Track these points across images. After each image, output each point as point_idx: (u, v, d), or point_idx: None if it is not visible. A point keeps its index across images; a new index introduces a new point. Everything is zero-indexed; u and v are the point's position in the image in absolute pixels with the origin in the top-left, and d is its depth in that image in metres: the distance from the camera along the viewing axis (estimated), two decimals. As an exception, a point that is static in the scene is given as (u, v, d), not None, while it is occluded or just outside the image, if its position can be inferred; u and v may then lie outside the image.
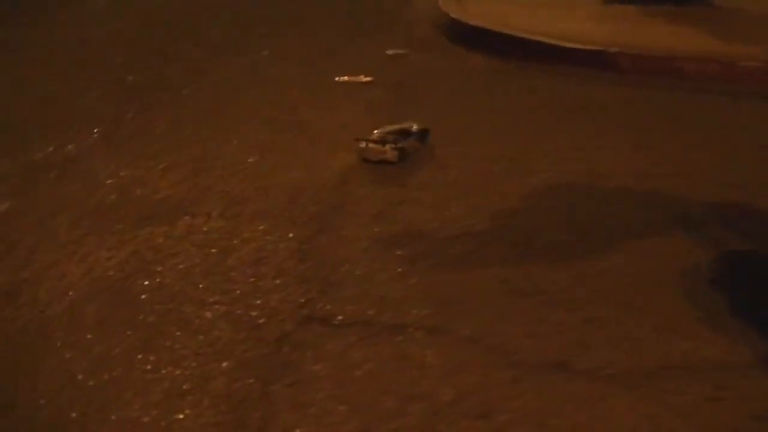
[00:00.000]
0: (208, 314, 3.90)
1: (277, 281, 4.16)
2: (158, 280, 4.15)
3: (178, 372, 3.55)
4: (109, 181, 5.06)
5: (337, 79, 6.79)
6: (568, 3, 8.77)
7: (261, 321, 3.86)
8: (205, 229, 4.61)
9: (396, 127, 5.69)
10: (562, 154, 5.62)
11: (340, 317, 3.91)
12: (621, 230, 4.80)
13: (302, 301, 4.02)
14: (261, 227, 4.63)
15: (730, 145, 5.79)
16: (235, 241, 4.50)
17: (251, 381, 3.51)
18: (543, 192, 5.19)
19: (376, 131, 5.60)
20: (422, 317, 3.95)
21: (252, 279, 4.18)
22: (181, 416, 3.34)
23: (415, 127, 5.67)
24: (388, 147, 5.45)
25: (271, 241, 4.50)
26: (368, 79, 6.81)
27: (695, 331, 3.96)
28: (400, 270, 4.32)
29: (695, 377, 3.66)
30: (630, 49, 7.41)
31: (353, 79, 6.78)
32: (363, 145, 5.49)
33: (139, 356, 3.63)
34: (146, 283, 4.12)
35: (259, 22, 8.25)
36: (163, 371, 3.55)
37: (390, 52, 7.52)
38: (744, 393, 3.59)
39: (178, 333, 3.78)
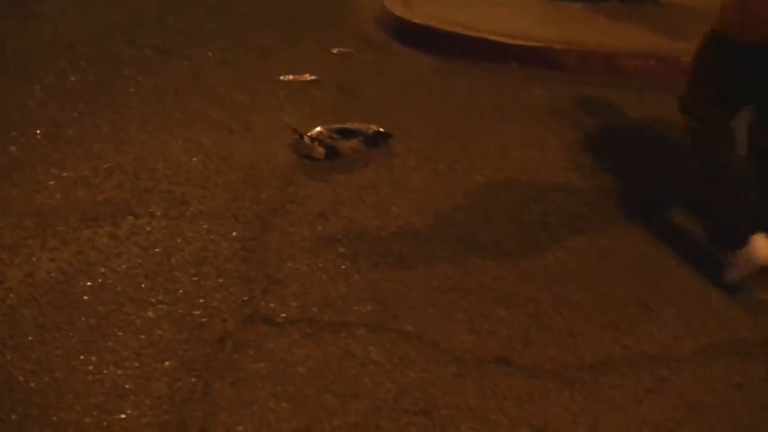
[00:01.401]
0: (151, 314, 3.90)
1: (220, 280, 4.16)
2: (100, 281, 4.14)
3: (119, 372, 3.55)
4: (51, 183, 5.02)
5: (281, 78, 6.78)
6: (514, 1, 8.82)
7: (203, 320, 3.86)
8: (148, 229, 4.59)
9: (342, 125, 5.70)
10: (507, 152, 5.65)
11: (283, 315, 3.93)
12: (564, 227, 4.85)
13: (245, 299, 4.02)
14: (204, 227, 4.63)
15: (671, 140, 5.86)
16: (178, 241, 4.49)
17: (193, 380, 3.52)
18: (487, 190, 5.22)
19: (318, 128, 5.61)
20: (365, 314, 3.98)
21: (195, 278, 4.17)
22: (122, 416, 3.34)
23: (372, 130, 5.70)
24: (315, 143, 5.48)
25: (214, 241, 4.50)
26: (313, 78, 6.80)
27: (635, 325, 4.02)
28: (342, 268, 4.34)
29: (635, 370, 3.73)
30: (574, 47, 7.47)
31: (298, 78, 6.77)
32: (296, 137, 5.52)
33: (81, 357, 3.62)
34: (88, 284, 4.11)
35: (203, 25, 8.21)
36: (105, 372, 3.55)
37: (335, 51, 7.51)
38: (683, 386, 3.66)
39: (120, 333, 3.77)
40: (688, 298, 4.27)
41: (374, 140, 5.68)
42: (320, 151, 5.48)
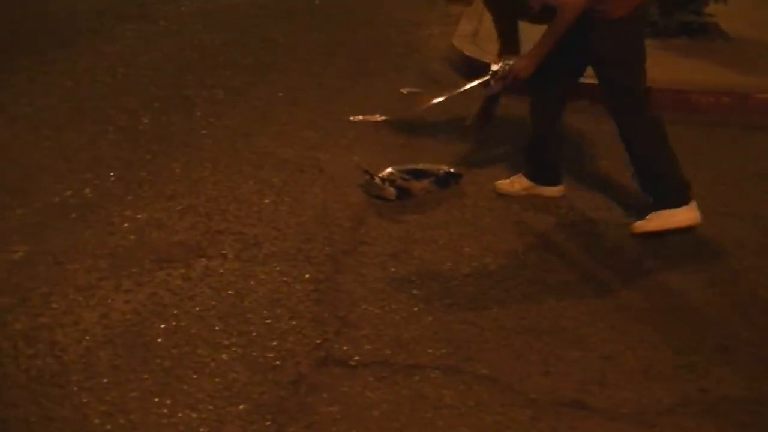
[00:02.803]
0: (224, 357, 3.91)
1: (293, 322, 4.17)
2: (174, 323, 4.16)
3: (194, 415, 3.56)
4: (125, 225, 5.07)
5: (351, 118, 6.80)
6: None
7: (277, 363, 3.86)
8: (221, 271, 4.62)
9: (414, 166, 5.72)
10: (576, 192, 5.60)
11: (356, 358, 3.92)
12: (635, 266, 4.80)
13: (318, 342, 4.02)
14: (277, 268, 4.64)
15: (741, 177, 5.80)
16: (251, 283, 4.50)
17: (267, 424, 3.52)
18: (559, 230, 5.19)
19: (389, 168, 5.62)
20: (438, 357, 3.95)
21: (268, 320, 4.18)
22: (197, 460, 3.35)
23: (443, 170, 5.70)
24: (386, 184, 5.48)
25: (287, 282, 4.51)
26: (383, 118, 6.81)
27: (712, 367, 3.95)
28: (415, 309, 4.32)
29: (713, 414, 3.65)
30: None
31: (368, 118, 6.79)
32: (367, 177, 5.53)
33: (156, 400, 3.64)
34: (162, 326, 4.13)
35: (272, 65, 8.28)
36: (180, 415, 3.56)
37: (405, 90, 7.53)
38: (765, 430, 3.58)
39: (195, 376, 3.78)
40: (766, 340, 4.19)
41: (446, 181, 5.67)
42: (391, 191, 5.48)
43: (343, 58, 8.58)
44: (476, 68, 8.00)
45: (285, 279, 4.54)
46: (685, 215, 5.11)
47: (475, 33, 8.94)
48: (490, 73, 5.47)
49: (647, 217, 5.13)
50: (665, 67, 7.96)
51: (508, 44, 5.64)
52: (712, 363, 3.97)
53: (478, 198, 5.54)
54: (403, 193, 5.52)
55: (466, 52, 8.31)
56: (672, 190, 5.13)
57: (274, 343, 4.00)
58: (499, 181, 5.62)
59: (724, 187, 5.58)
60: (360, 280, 4.57)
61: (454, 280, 4.60)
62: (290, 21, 10.14)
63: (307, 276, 4.57)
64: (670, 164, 5.12)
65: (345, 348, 3.99)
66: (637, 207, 5.25)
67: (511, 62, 5.29)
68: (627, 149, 5.18)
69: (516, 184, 5.56)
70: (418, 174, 5.66)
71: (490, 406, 3.65)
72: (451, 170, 5.74)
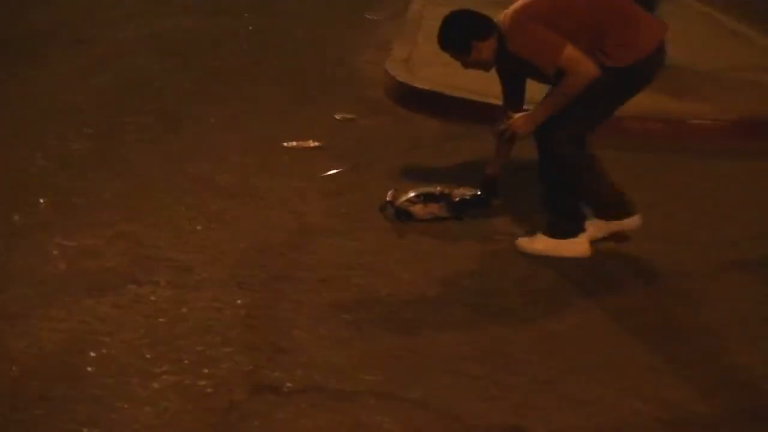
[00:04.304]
0: (156, 385, 3.83)
1: (226, 349, 4.10)
2: (105, 351, 4.08)
3: (125, 446, 3.48)
4: (55, 252, 4.99)
5: (285, 144, 6.76)
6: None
7: (209, 390, 3.80)
8: (152, 298, 4.54)
9: (441, 189, 5.66)
10: (517, 216, 5.60)
11: (289, 384, 3.87)
12: (573, 291, 4.82)
13: (250, 368, 3.96)
14: (209, 295, 4.58)
15: (674, 201, 5.85)
16: (182, 310, 4.44)
17: (200, 453, 3.45)
18: (499, 256, 5.19)
19: (413, 191, 5.61)
20: (374, 383, 3.91)
21: (200, 348, 4.11)
22: (128, 491, 3.27)
23: (459, 196, 5.61)
24: (388, 205, 5.55)
25: (219, 309, 4.44)
26: (316, 144, 6.78)
27: (649, 389, 3.95)
28: (350, 336, 4.29)
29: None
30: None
31: (301, 144, 6.75)
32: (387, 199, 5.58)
33: (86, 431, 3.55)
34: (93, 354, 4.05)
35: (208, 90, 8.23)
36: (110, 446, 3.48)
37: (338, 116, 7.51)
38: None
39: (126, 406, 3.70)
40: (700, 361, 4.21)
41: (459, 207, 5.57)
42: (389, 212, 5.51)
43: (278, 84, 8.55)
44: (408, 94, 8.05)
45: (217, 305, 4.48)
46: (573, 247, 5.14)
47: (407, 59, 8.94)
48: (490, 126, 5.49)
49: (536, 235, 5.19)
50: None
51: (512, 102, 5.47)
52: (648, 385, 3.97)
53: (414, 225, 5.51)
54: (404, 215, 5.50)
55: (399, 78, 8.31)
56: (569, 220, 5.16)
57: (206, 371, 3.93)
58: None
59: (657, 212, 5.60)
60: (294, 306, 4.52)
61: (391, 306, 4.58)
62: (227, 47, 10.10)
63: (240, 302, 4.51)
64: (575, 196, 5.16)
65: (278, 375, 3.93)
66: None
67: (511, 117, 5.22)
68: (542, 166, 5.14)
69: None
70: (436, 197, 5.59)
71: (428, 432, 3.62)
72: (467, 197, 5.61)
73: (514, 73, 5.34)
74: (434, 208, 5.54)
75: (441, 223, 5.50)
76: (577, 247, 5.14)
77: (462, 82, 7.95)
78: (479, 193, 5.64)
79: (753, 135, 7.24)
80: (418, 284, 4.81)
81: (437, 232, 5.41)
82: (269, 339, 4.21)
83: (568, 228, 5.15)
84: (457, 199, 5.59)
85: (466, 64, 5.25)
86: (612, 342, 4.34)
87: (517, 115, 5.18)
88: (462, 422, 3.67)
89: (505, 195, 5.71)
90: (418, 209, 5.52)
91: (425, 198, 5.57)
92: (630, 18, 4.99)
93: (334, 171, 5.94)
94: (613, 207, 5.30)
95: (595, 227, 5.25)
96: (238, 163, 6.41)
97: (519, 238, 5.22)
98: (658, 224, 5.47)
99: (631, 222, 5.29)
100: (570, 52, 4.81)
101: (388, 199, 5.58)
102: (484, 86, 7.88)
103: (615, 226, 5.29)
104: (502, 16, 5.09)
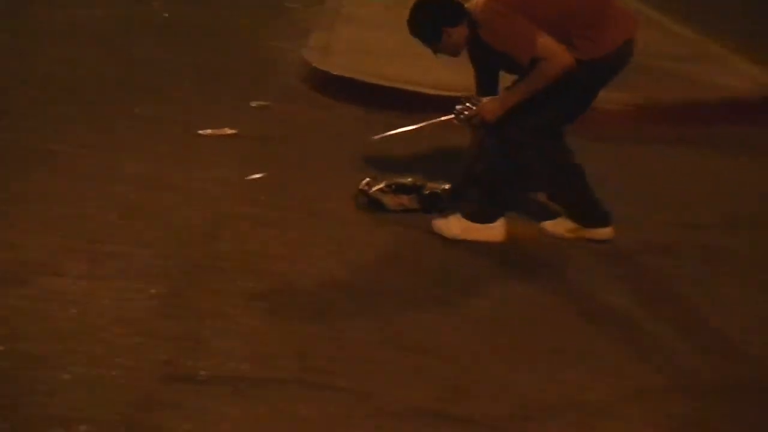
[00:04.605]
0: (67, 377, 3.73)
1: (140, 339, 4.02)
2: (14, 344, 3.96)
3: (36, 439, 3.39)
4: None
5: (200, 132, 6.67)
6: (429, 52, 8.80)
7: (122, 381, 3.71)
8: (67, 289, 4.43)
9: (411, 180, 5.57)
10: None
11: (204, 373, 3.79)
12: (493, 277, 4.86)
13: (165, 358, 3.88)
14: (123, 285, 4.48)
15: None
16: (96, 301, 4.33)
17: (113, 445, 3.38)
18: (418, 243, 5.18)
19: (384, 182, 5.53)
20: (294, 370, 3.88)
21: (113, 338, 4.01)
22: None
23: (430, 189, 5.54)
24: (361, 195, 5.49)
25: (133, 299, 4.35)
26: (232, 131, 6.71)
27: (555, 371, 3.97)
28: (267, 324, 4.24)
29: (556, 416, 3.67)
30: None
31: (217, 132, 6.67)
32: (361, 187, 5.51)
33: (-4, 425, 3.46)
34: (1, 348, 3.93)
35: (124, 81, 8.10)
36: (21, 439, 3.39)
37: (254, 104, 7.44)
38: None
39: (37, 398, 3.60)
40: (602, 342, 4.25)
41: (430, 201, 5.50)
42: (362, 201, 5.45)
43: (194, 72, 8.46)
44: (325, 80, 8.01)
45: (131, 295, 4.39)
46: (489, 231, 5.15)
47: (325, 46, 8.90)
48: (456, 110, 5.23)
49: (451, 217, 5.20)
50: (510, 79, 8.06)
51: (485, 91, 5.33)
52: (555, 367, 3.99)
53: (332, 213, 5.48)
54: (375, 204, 5.44)
55: (316, 65, 8.26)
56: (492, 206, 5.18)
57: (119, 361, 3.83)
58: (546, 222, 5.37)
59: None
60: (210, 295, 4.46)
61: (308, 294, 4.54)
62: (144, 35, 9.98)
63: (154, 291, 4.42)
64: (513, 188, 5.20)
65: (194, 364, 3.85)
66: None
67: (480, 103, 5.11)
68: (493, 151, 5.16)
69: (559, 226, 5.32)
70: (406, 189, 5.51)
71: (349, 419, 3.57)
72: (438, 191, 5.53)
73: (486, 62, 5.26)
74: (405, 200, 5.48)
75: (359, 212, 5.49)
76: (493, 231, 5.15)
77: (380, 69, 7.96)
78: (450, 186, 5.57)
79: (658, 120, 7.41)
80: (336, 272, 4.78)
81: (357, 219, 5.39)
82: (185, 328, 4.13)
83: (489, 213, 5.15)
84: (427, 192, 5.52)
85: (437, 50, 5.16)
86: (525, 325, 4.37)
87: (486, 99, 5.11)
88: (379, 407, 3.64)
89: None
90: (389, 200, 5.45)
91: (396, 189, 5.50)
92: (601, 10, 4.98)
93: (258, 175, 5.79)
94: (592, 215, 5.26)
95: (565, 228, 5.26)
96: (153, 152, 6.31)
97: (434, 220, 5.22)
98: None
99: (605, 232, 5.23)
100: (545, 41, 4.78)
101: (361, 187, 5.50)
102: (402, 72, 7.94)
103: (589, 233, 5.23)
104: (473, 4, 5.01)
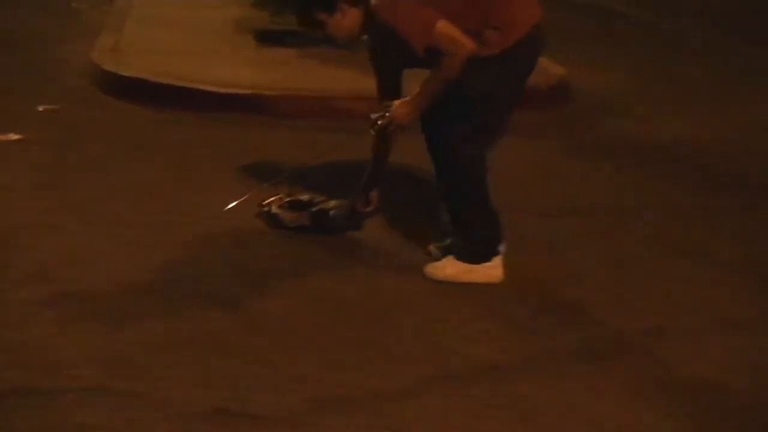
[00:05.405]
0: None
1: None
2: None
3: None
4: None
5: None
6: (225, 50, 8.80)
7: None
8: None
9: (310, 197, 5.41)
10: (229, 200, 5.53)
11: (-9, 385, 3.71)
12: (291, 272, 4.87)
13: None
14: None
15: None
16: None
17: None
18: (217, 243, 5.16)
19: (286, 198, 5.36)
20: (85, 379, 3.81)
21: None
22: None
23: (319, 208, 5.33)
24: (265, 209, 5.29)
25: None
26: (18, 137, 6.54)
27: (361, 362, 4.03)
28: (58, 330, 4.16)
29: (358, 410, 3.72)
30: (283, 92, 7.56)
31: (1, 138, 6.49)
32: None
33: None
34: None
35: None
36: None
37: (41, 108, 7.27)
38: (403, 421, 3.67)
39: None
40: (411, 328, 4.35)
41: (317, 218, 5.30)
42: (264, 217, 5.30)
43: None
44: (115, 82, 7.89)
45: None
46: (486, 272, 4.81)
47: (114, 47, 8.76)
48: (371, 118, 4.88)
49: (444, 260, 4.87)
50: (305, 75, 8.14)
51: (389, 94, 4.94)
52: (361, 358, 4.07)
53: (128, 216, 5.42)
54: (273, 220, 5.29)
55: (105, 67, 8.14)
56: (480, 243, 4.83)
57: None
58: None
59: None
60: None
61: (105, 300, 4.46)
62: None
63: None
64: (484, 208, 4.82)
65: (-19, 379, 3.76)
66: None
67: (391, 108, 4.77)
68: (443, 196, 4.88)
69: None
70: (302, 205, 5.34)
71: (142, 423, 3.54)
72: (328, 208, 5.30)
73: (387, 62, 4.94)
74: (300, 216, 5.32)
75: (155, 213, 5.44)
76: (492, 272, 4.81)
77: (171, 69, 7.90)
78: (345, 203, 5.32)
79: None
80: (135, 275, 4.71)
81: (155, 223, 5.32)
82: (-29, 340, 4.03)
83: (483, 251, 4.81)
84: (315, 209, 5.33)
85: (326, 28, 4.80)
86: (318, 321, 4.41)
87: (396, 103, 4.76)
88: (175, 409, 3.61)
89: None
90: (286, 215, 5.30)
91: (290, 205, 5.34)
92: None
93: (238, 201, 5.51)
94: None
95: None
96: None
97: (427, 267, 4.86)
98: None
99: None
100: (443, 27, 4.48)
101: (263, 203, 5.34)
102: (193, 72, 7.91)
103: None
104: None
